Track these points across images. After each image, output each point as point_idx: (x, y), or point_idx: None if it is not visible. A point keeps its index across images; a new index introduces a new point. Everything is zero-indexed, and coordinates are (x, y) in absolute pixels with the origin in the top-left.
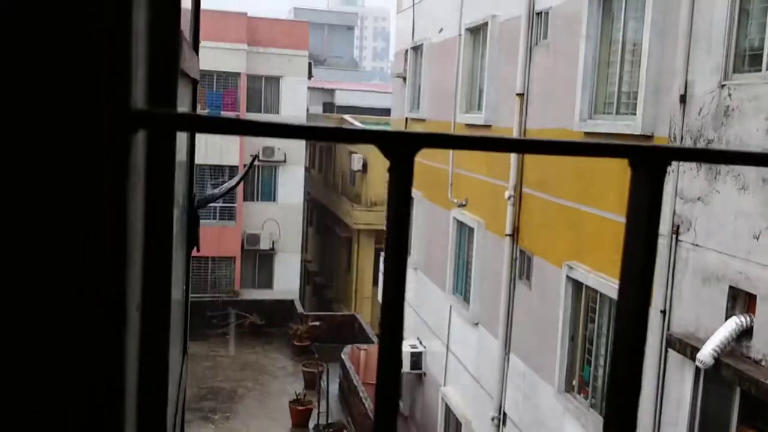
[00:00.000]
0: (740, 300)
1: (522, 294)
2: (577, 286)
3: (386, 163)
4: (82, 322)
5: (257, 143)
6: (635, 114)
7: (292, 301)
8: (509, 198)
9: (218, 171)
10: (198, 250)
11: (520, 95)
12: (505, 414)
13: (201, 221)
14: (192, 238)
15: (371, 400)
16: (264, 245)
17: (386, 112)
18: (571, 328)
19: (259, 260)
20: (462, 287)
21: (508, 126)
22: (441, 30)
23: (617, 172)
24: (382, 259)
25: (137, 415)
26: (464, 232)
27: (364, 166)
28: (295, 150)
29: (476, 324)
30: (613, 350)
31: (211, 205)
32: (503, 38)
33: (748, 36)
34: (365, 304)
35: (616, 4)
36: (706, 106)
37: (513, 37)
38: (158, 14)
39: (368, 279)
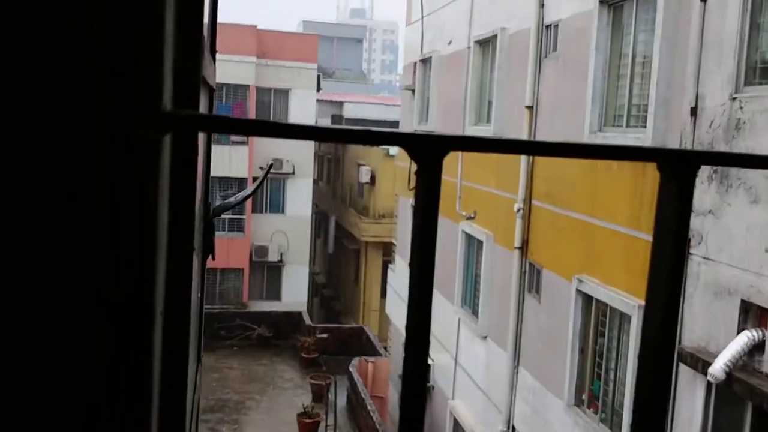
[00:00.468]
0: (752, 314)
1: (531, 307)
2: (586, 299)
3: (394, 176)
4: (112, 326)
5: (266, 155)
6: (645, 127)
7: (300, 313)
8: (518, 211)
9: (227, 183)
10: (213, 259)
11: (530, 108)
12: (513, 428)
13: None
14: (207, 247)
15: (379, 413)
16: (272, 257)
17: (395, 124)
18: (580, 341)
19: (267, 272)
20: (470, 300)
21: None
22: (450, 42)
23: (627, 185)
24: (389, 271)
25: (158, 419)
26: (473, 245)
27: (372, 178)
28: (304, 162)
29: (485, 337)
30: (639, 359)
31: (219, 216)
32: (512, 51)
33: (759, 48)
34: (373, 317)
35: (625, 17)
36: (717, 119)
37: (522, 50)
38: (183, 23)
39: (376, 291)
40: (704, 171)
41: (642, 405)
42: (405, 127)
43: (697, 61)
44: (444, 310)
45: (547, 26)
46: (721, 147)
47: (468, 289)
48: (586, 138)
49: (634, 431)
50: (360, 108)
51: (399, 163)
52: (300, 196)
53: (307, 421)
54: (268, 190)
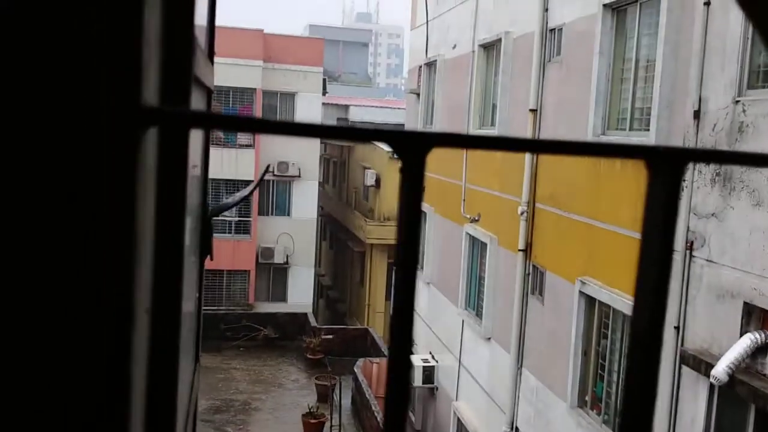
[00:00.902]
0: (755, 316)
1: (534, 309)
2: (590, 301)
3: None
4: (87, 322)
5: (272, 158)
6: (648, 130)
7: (305, 315)
8: (522, 213)
9: (233, 185)
10: (211, 259)
11: (534, 111)
12: (517, 429)
13: (216, 235)
14: (205, 247)
15: (383, 414)
16: (278, 259)
17: (400, 128)
18: (583, 343)
19: (273, 274)
20: (474, 302)
21: None
22: (455, 46)
23: (630, 187)
24: (394, 271)
25: (145, 418)
26: (477, 247)
27: (377, 181)
28: (309, 165)
29: (488, 339)
30: (628, 359)
31: (226, 219)
32: (517, 54)
33: (762, 52)
34: (378, 318)
35: (629, 20)
36: (720, 122)
37: (526, 54)
38: (172, 17)
39: (381, 293)
40: (707, 174)
41: (630, 403)
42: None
43: (700, 65)
44: (448, 312)
45: (551, 30)
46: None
47: (472, 291)
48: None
49: (622, 430)
50: (365, 111)
51: None
52: (306, 199)
53: (312, 421)
54: (274, 192)
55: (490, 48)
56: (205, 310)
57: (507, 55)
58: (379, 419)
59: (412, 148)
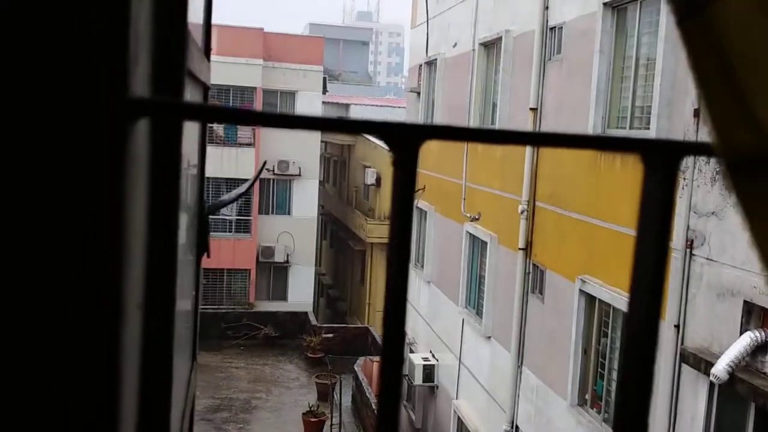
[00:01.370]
0: (755, 315)
1: (535, 308)
2: (590, 300)
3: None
4: (74, 317)
5: (273, 156)
6: (649, 128)
7: (305, 314)
8: (522, 212)
9: (234, 184)
10: (209, 257)
11: (534, 110)
12: (517, 427)
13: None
14: (202, 245)
15: None
16: (278, 258)
17: None
18: (583, 341)
19: (273, 273)
20: (475, 301)
21: None
22: (455, 45)
23: (630, 186)
24: (386, 267)
25: (137, 417)
26: (477, 246)
27: (378, 180)
28: (310, 164)
29: (489, 337)
30: (623, 356)
31: (226, 217)
32: (517, 53)
33: None
34: (378, 317)
35: (629, 19)
36: None
37: (527, 52)
38: (164, 10)
39: (381, 292)
40: (707, 172)
41: (626, 399)
42: None
43: None
44: (448, 311)
45: (551, 29)
46: None
47: (472, 289)
48: None
49: (617, 427)
50: (366, 110)
51: None
52: (306, 198)
53: (313, 420)
54: (274, 191)
55: (491, 46)
56: (205, 309)
57: (507, 54)
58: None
59: (405, 140)
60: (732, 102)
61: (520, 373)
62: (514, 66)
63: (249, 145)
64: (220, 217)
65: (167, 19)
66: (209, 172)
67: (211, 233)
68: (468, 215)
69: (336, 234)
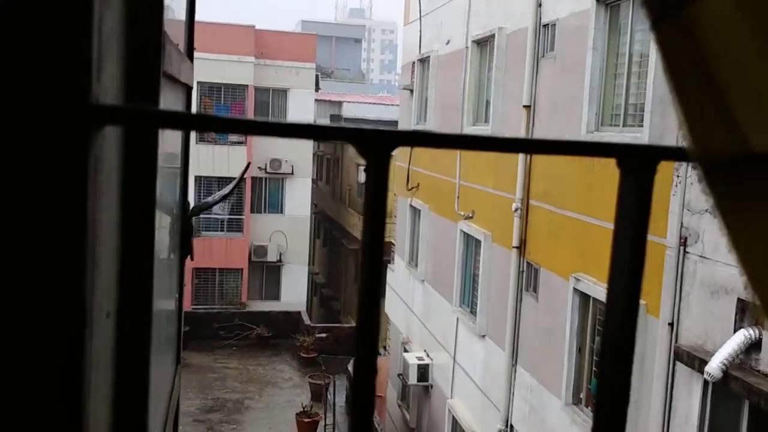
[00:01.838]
0: (749, 312)
1: (529, 306)
2: (584, 298)
3: (392, 177)
4: (33, 328)
5: (265, 155)
6: (642, 126)
7: (299, 313)
8: (516, 210)
9: (225, 183)
10: (192, 259)
11: (527, 107)
12: (512, 426)
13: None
14: (185, 247)
15: (377, 412)
16: (271, 257)
17: (393, 124)
18: (578, 340)
19: (266, 272)
20: (469, 299)
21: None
22: (448, 42)
23: None
24: (388, 270)
25: (113, 423)
26: (471, 244)
27: None
28: (303, 162)
29: (483, 336)
30: (601, 357)
31: (218, 217)
32: (510, 50)
33: None
34: None
35: (622, 16)
36: None
37: (520, 49)
38: (136, 12)
39: None
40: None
41: (604, 401)
42: (404, 127)
43: None
44: (443, 310)
45: (545, 26)
46: None
47: (466, 288)
48: (583, 137)
49: (595, 428)
50: (359, 108)
51: (398, 163)
52: (299, 197)
53: (306, 420)
54: (266, 190)
55: (484, 44)
56: (197, 308)
57: (500, 51)
58: (373, 418)
59: (376, 146)
60: (710, 104)
61: (515, 371)
62: (508, 63)
63: (241, 143)
64: (212, 216)
65: (140, 22)
66: (200, 171)
67: (203, 232)
68: (462, 214)
69: (329, 233)
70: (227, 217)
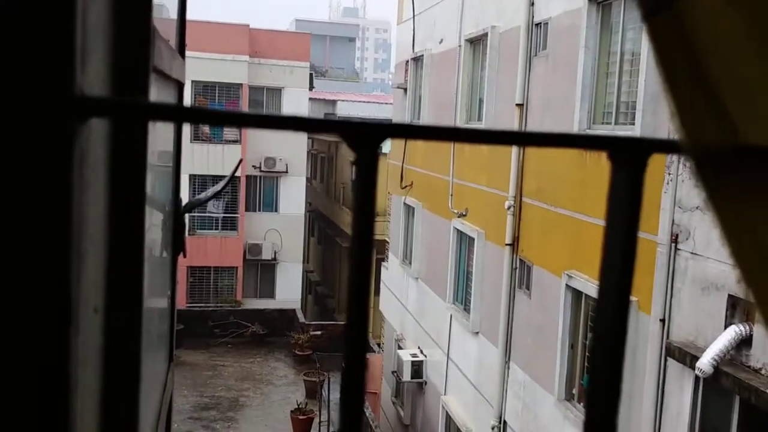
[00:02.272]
0: (740, 308)
1: (522, 303)
2: (576, 295)
3: (386, 175)
4: (15, 324)
5: (259, 153)
6: (634, 124)
7: (293, 311)
8: (509, 208)
9: (220, 181)
10: (185, 256)
11: (520, 105)
12: (505, 422)
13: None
14: (177, 244)
15: (371, 409)
16: (266, 255)
17: (387, 123)
18: (570, 336)
19: (261, 270)
20: (462, 297)
21: None
22: (441, 41)
23: None
24: (383, 268)
25: (102, 419)
26: (464, 242)
27: None
28: (297, 161)
29: (476, 333)
30: (593, 353)
31: (212, 215)
32: (503, 49)
33: None
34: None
35: (614, 14)
36: None
37: (513, 48)
38: (124, 8)
39: (369, 289)
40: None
41: (596, 397)
42: None
43: None
44: (436, 307)
45: (537, 24)
46: None
47: (460, 285)
48: None
49: (587, 427)
50: (353, 106)
51: (392, 162)
52: (293, 195)
53: (301, 417)
54: (261, 188)
55: (477, 42)
56: (192, 306)
57: (493, 50)
58: (367, 414)
59: (364, 139)
60: (701, 97)
61: (508, 368)
62: (500, 62)
63: (235, 142)
64: (207, 214)
65: (127, 16)
66: (195, 170)
67: (198, 231)
68: (455, 211)
69: (324, 231)
70: (222, 215)
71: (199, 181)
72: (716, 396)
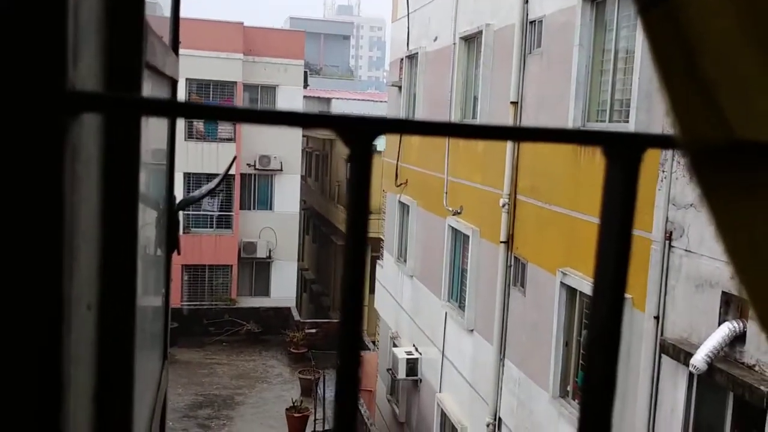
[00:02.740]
0: (733, 305)
1: (516, 301)
2: (571, 292)
3: (381, 172)
4: (9, 319)
5: (254, 151)
6: (628, 121)
7: (288, 309)
8: (504, 206)
9: (214, 179)
10: (179, 254)
11: (515, 103)
12: (500, 420)
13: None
14: (171, 242)
15: (367, 407)
16: (261, 253)
17: None
18: (565, 334)
19: (255, 268)
20: (457, 294)
21: None
22: (436, 39)
23: None
24: (378, 266)
25: (95, 418)
26: (459, 239)
27: None
28: (291, 159)
29: (471, 330)
30: (587, 350)
31: (207, 213)
32: (497, 47)
33: None
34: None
35: (608, 12)
36: None
37: (507, 46)
38: (117, 3)
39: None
40: (686, 164)
41: (590, 394)
42: None
43: None
44: (431, 305)
45: (531, 22)
46: None
47: (455, 283)
48: None
49: (582, 424)
50: (347, 104)
51: (386, 159)
52: (288, 193)
53: (296, 415)
54: (256, 186)
55: (471, 40)
56: (187, 305)
57: (488, 48)
58: (362, 412)
59: (358, 134)
60: (696, 92)
61: (503, 365)
62: (495, 60)
63: (229, 140)
64: (201, 212)
65: (120, 12)
66: (189, 168)
67: (193, 229)
68: (450, 209)
69: (318, 229)
70: (216, 213)
71: (194, 180)
72: (710, 392)
